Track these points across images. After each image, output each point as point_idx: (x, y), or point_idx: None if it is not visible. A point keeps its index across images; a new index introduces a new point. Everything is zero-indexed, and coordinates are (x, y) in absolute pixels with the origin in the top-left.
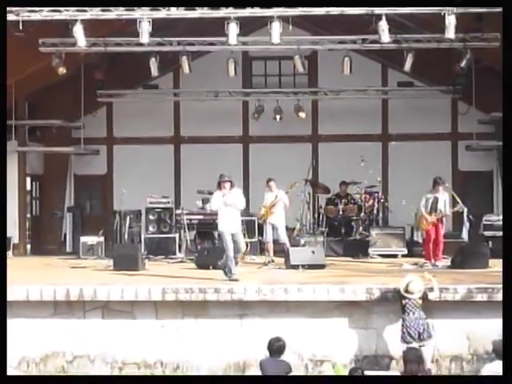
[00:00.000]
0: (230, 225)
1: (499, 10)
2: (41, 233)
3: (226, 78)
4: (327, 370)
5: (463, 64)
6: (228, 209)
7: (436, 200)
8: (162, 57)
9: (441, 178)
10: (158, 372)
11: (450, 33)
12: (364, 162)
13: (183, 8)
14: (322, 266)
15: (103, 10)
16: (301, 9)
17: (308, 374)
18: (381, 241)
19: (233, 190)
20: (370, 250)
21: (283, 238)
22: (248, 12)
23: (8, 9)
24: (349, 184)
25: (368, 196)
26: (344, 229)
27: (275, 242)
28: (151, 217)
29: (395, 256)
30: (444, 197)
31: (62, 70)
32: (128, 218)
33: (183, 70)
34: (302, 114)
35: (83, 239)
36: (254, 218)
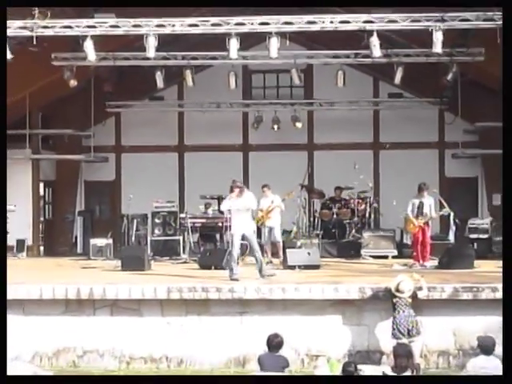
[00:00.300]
0: (239, 227)
1: (484, 26)
2: (53, 235)
3: (227, 90)
4: (322, 365)
5: (449, 77)
6: (238, 212)
7: (421, 204)
8: (167, 70)
9: (425, 184)
10: (164, 366)
11: (438, 48)
12: (357, 168)
13: (187, 24)
14: (317, 267)
15: (112, 26)
16: (297, 25)
17: (304, 369)
18: (372, 243)
19: (244, 195)
20: (363, 252)
21: (278, 237)
22: (248, 28)
23: (22, 25)
24: (343, 189)
25: (360, 200)
26: (338, 231)
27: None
28: (157, 220)
29: (386, 257)
30: (429, 201)
31: (73, 83)
32: (135, 221)
33: (187, 82)
34: (299, 124)
35: (93, 241)
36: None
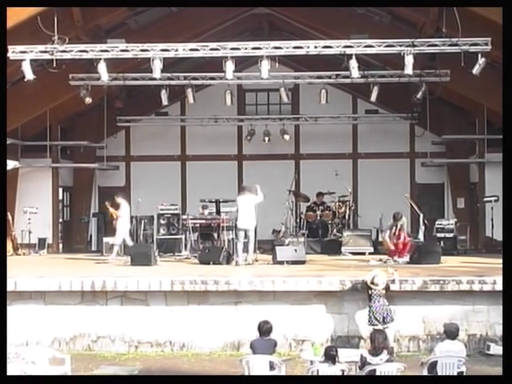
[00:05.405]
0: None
1: (450, 50)
2: (71, 234)
3: (224, 106)
4: (307, 348)
5: (419, 95)
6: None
7: (396, 225)
8: (171, 89)
9: (398, 213)
10: (168, 350)
11: (409, 70)
12: (338, 176)
13: (189, 48)
14: (302, 262)
15: (122, 51)
16: (285, 50)
17: (291, 352)
18: (351, 241)
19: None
20: (343, 249)
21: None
22: (242, 52)
23: (43, 49)
24: (324, 194)
25: (341, 204)
26: (321, 231)
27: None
28: (162, 221)
29: (363, 253)
30: (401, 222)
31: (88, 100)
32: (143, 222)
33: (188, 100)
34: (287, 137)
35: (106, 240)
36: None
